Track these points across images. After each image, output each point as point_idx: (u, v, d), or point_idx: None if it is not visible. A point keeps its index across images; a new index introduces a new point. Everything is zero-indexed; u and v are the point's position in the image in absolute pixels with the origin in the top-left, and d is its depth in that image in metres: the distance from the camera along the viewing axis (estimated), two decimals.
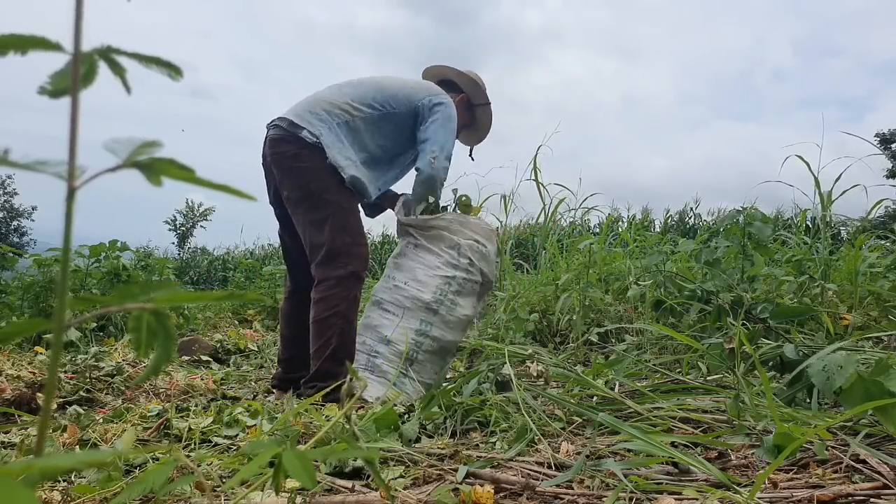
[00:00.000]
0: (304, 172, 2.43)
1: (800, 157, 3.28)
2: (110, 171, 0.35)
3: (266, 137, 2.54)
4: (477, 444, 1.49)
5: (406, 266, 2.42)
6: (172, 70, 0.38)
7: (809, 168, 3.27)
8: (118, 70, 0.35)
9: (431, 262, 2.39)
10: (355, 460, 1.25)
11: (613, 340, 3.22)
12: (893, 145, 18.77)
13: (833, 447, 1.24)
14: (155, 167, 0.35)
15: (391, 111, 2.53)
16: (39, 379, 2.36)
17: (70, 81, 0.32)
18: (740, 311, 2.33)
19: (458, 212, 2.57)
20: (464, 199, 2.58)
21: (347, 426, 1.08)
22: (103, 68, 0.35)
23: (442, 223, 2.46)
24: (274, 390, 2.57)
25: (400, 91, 2.56)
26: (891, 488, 1.03)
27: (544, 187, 4.20)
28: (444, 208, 2.56)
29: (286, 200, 2.51)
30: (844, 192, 3.49)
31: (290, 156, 2.44)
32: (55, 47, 0.33)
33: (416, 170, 2.51)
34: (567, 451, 1.34)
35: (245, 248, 14.92)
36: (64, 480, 1.25)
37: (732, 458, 1.27)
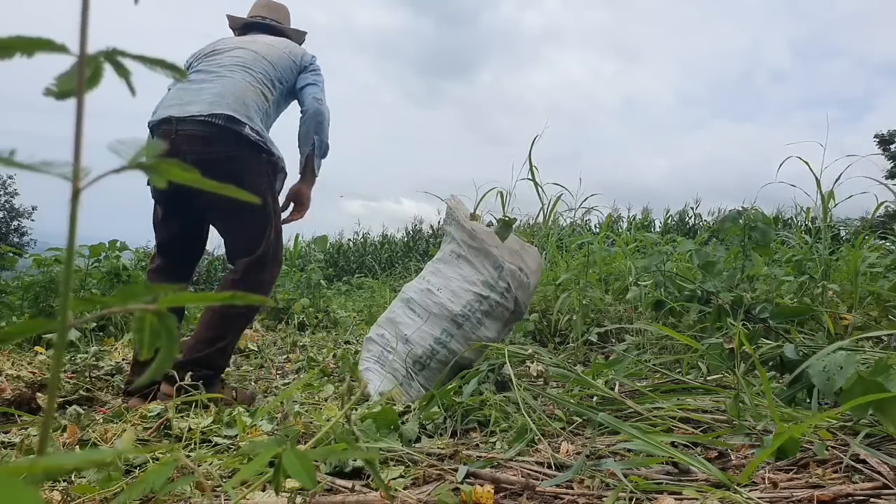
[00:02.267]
0: (240, 177, 2.22)
1: (800, 158, 3.26)
2: (115, 172, 0.35)
3: (184, 133, 2.21)
4: (477, 444, 1.50)
5: (444, 273, 2.38)
6: (176, 72, 0.38)
7: (811, 169, 3.26)
8: (123, 72, 0.35)
9: (470, 276, 2.35)
10: (355, 460, 1.26)
11: (613, 340, 3.22)
12: (892, 146, 18.79)
13: (833, 447, 1.24)
14: (159, 169, 0.35)
15: (285, 86, 2.51)
16: (39, 379, 2.36)
17: (76, 83, 0.33)
18: (740, 311, 2.33)
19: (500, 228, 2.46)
20: (507, 219, 2.47)
21: (347, 426, 1.08)
22: (108, 70, 0.35)
23: (497, 240, 2.39)
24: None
25: (286, 61, 2.50)
26: (891, 488, 1.04)
27: (540, 187, 4.17)
28: (505, 222, 2.40)
29: (207, 204, 2.32)
30: (851, 196, 3.47)
31: (224, 158, 2.22)
32: (61, 49, 0.33)
33: (303, 112, 2.49)
34: (567, 451, 1.34)
35: None
36: (64, 480, 1.25)
37: (732, 458, 1.27)
